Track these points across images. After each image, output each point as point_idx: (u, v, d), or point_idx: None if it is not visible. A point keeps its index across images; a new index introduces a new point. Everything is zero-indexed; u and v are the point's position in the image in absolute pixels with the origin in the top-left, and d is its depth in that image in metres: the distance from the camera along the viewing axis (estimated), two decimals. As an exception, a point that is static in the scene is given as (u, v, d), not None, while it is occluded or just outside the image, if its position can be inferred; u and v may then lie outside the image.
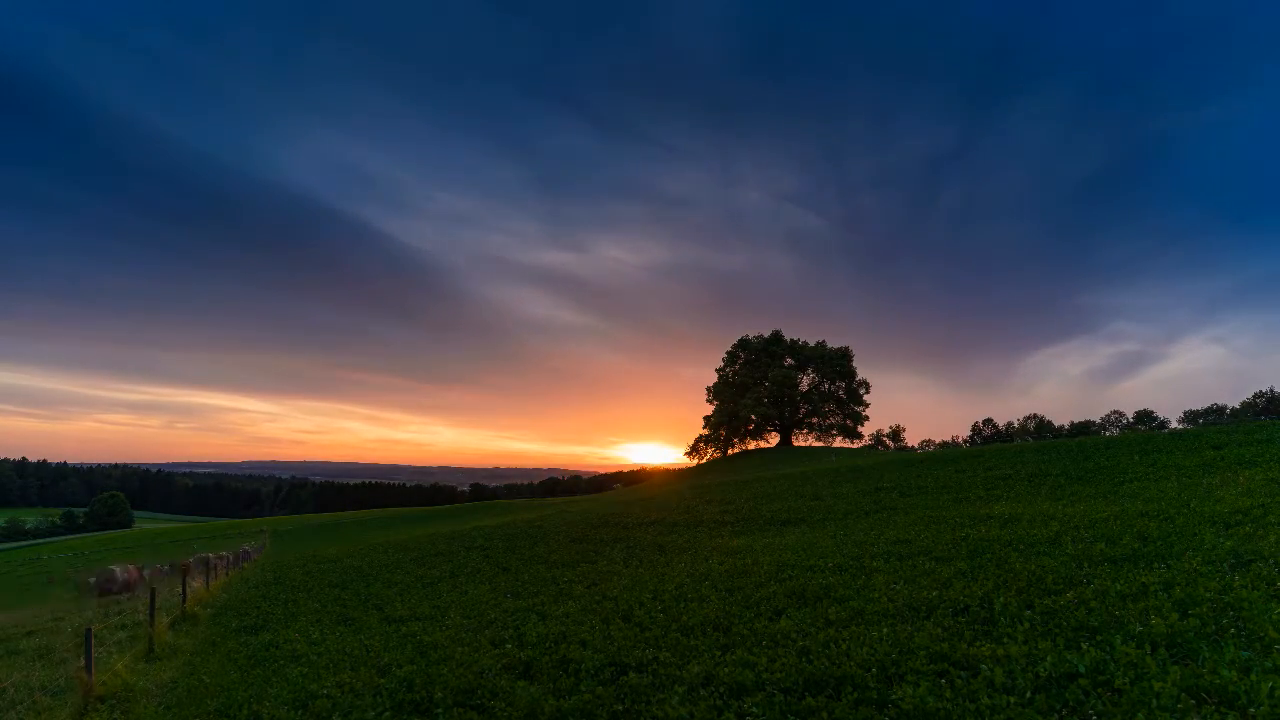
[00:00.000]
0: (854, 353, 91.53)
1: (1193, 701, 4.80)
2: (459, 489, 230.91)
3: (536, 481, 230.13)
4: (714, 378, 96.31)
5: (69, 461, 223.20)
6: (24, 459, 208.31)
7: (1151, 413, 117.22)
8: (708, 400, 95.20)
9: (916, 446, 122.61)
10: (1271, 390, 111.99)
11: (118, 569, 27.65)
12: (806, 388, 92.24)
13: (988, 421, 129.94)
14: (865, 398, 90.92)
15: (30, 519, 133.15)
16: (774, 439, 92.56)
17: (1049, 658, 5.89)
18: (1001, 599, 7.91)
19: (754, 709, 5.89)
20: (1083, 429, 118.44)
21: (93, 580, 27.06)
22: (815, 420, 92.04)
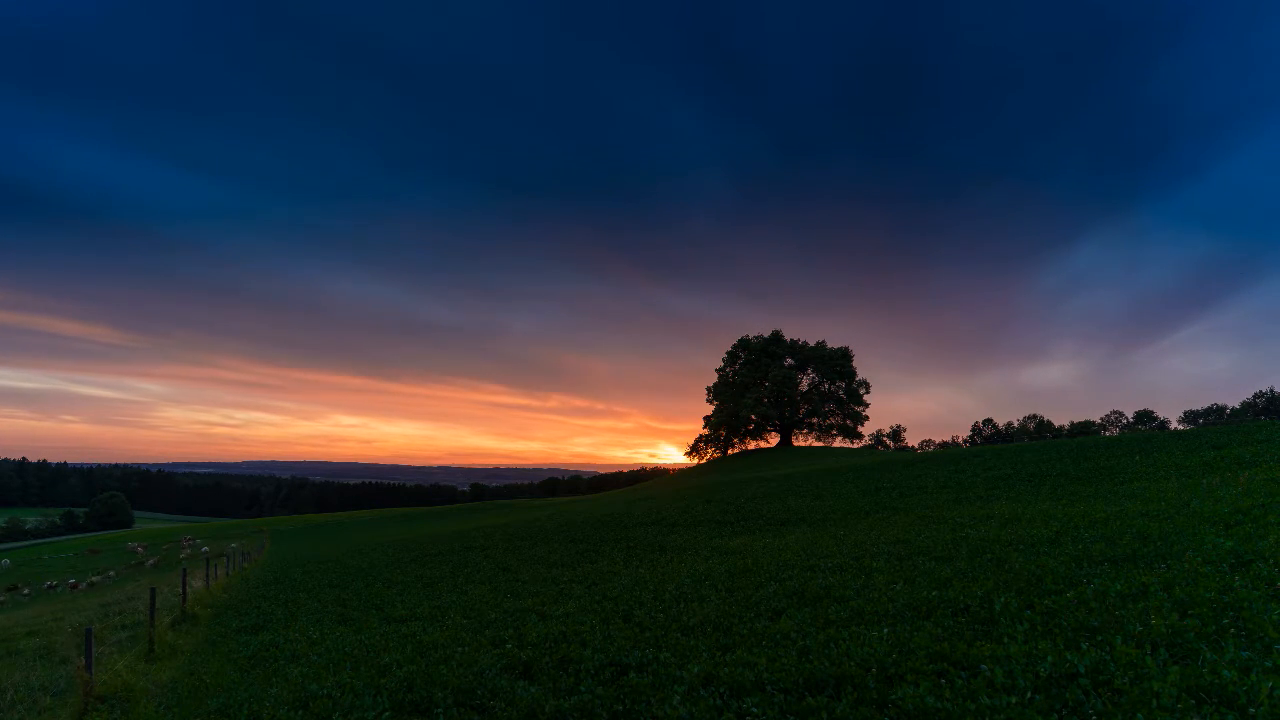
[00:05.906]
0: (852, 350, 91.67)
1: (1193, 701, 4.80)
2: (459, 489, 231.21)
3: (537, 481, 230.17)
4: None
5: (68, 461, 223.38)
6: (24, 459, 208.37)
7: (1151, 413, 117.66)
8: (708, 400, 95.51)
9: (916, 446, 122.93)
10: (1271, 390, 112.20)
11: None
12: (806, 388, 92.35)
13: (988, 421, 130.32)
14: (865, 397, 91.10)
15: (30, 519, 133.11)
16: (774, 439, 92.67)
17: (1049, 658, 5.89)
18: (1001, 599, 7.91)
19: (754, 709, 5.89)
20: (1083, 429, 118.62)
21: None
22: (815, 420, 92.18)
